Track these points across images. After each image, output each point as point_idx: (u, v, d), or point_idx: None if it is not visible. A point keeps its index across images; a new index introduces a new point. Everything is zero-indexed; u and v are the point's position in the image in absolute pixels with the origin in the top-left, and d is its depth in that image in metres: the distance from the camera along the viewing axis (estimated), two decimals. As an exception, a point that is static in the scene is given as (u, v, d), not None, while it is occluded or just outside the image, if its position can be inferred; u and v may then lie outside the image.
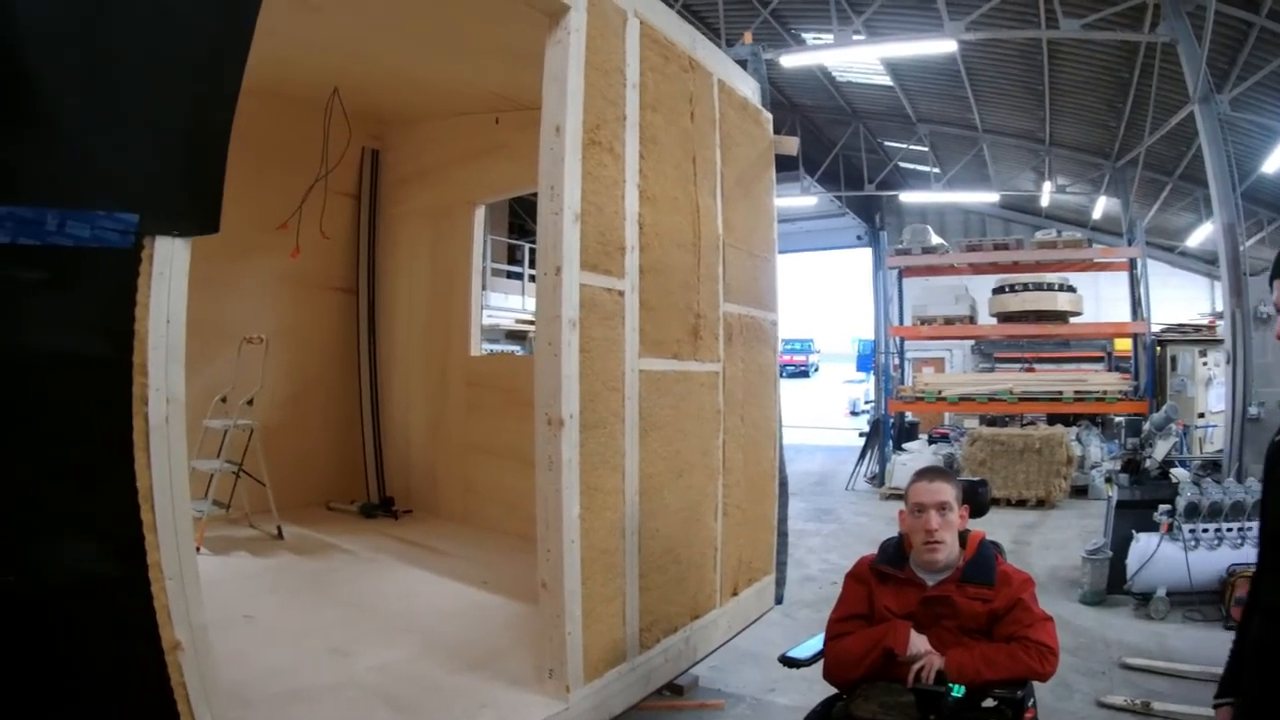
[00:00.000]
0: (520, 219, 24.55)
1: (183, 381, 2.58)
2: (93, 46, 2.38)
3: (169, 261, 2.51)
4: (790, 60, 14.77)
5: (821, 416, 31.32)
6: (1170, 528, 7.57)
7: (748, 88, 6.11)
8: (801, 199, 23.38)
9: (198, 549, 5.24)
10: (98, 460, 2.45)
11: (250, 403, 6.66)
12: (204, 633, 2.61)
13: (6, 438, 2.29)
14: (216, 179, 2.63)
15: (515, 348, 20.43)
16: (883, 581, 3.36)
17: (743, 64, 6.21)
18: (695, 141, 5.13)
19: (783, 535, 6.32)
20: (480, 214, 7.88)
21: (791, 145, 6.48)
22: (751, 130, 6.03)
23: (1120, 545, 7.84)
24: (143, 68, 2.47)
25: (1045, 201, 24.51)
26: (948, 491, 3.32)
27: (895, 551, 3.43)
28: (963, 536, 3.39)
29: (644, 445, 4.48)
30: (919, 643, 3.11)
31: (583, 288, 4.03)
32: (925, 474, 3.45)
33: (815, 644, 3.48)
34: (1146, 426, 12.10)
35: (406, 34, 5.75)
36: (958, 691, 2.97)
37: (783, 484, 6.34)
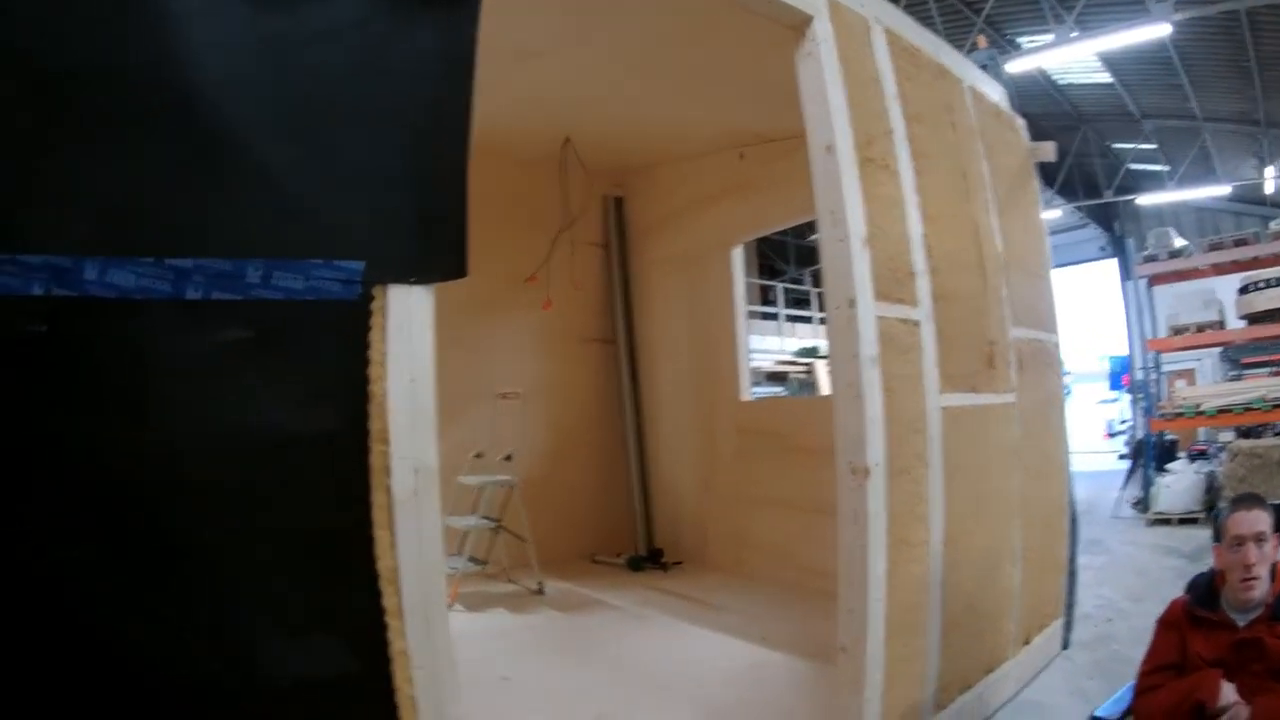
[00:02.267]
0: (769, 259, 24.39)
1: (434, 447, 2.23)
2: (290, 88, 2.14)
3: (408, 313, 2.18)
4: (1014, 66, 13.88)
5: (1079, 439, 28.62)
6: None
7: (996, 93, 5.65)
8: (1048, 213, 21.71)
9: (451, 605, 5.21)
10: (327, 545, 2.13)
11: (509, 458, 6.53)
12: None
13: (210, 531, 2.02)
14: (458, 223, 2.30)
15: (778, 389, 20.11)
16: (1195, 625, 2.98)
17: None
18: (962, 154, 4.72)
19: (1072, 575, 5.78)
20: (738, 255, 7.61)
21: (1049, 151, 5.93)
22: (1009, 138, 5.55)
23: None
24: (356, 109, 2.21)
25: (1269, 189, 22.00)
26: (1264, 520, 2.92)
27: (1206, 590, 3.03)
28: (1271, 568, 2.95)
29: (948, 490, 4.00)
30: (1229, 693, 2.75)
31: (879, 320, 3.64)
32: (1242, 502, 3.04)
33: (1123, 698, 3.12)
34: None
35: (634, 73, 5.58)
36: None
37: (1073, 520, 5.80)
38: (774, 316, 22.07)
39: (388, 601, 2.14)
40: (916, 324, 3.93)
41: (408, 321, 2.19)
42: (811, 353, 20.79)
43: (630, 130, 6.96)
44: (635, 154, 7.65)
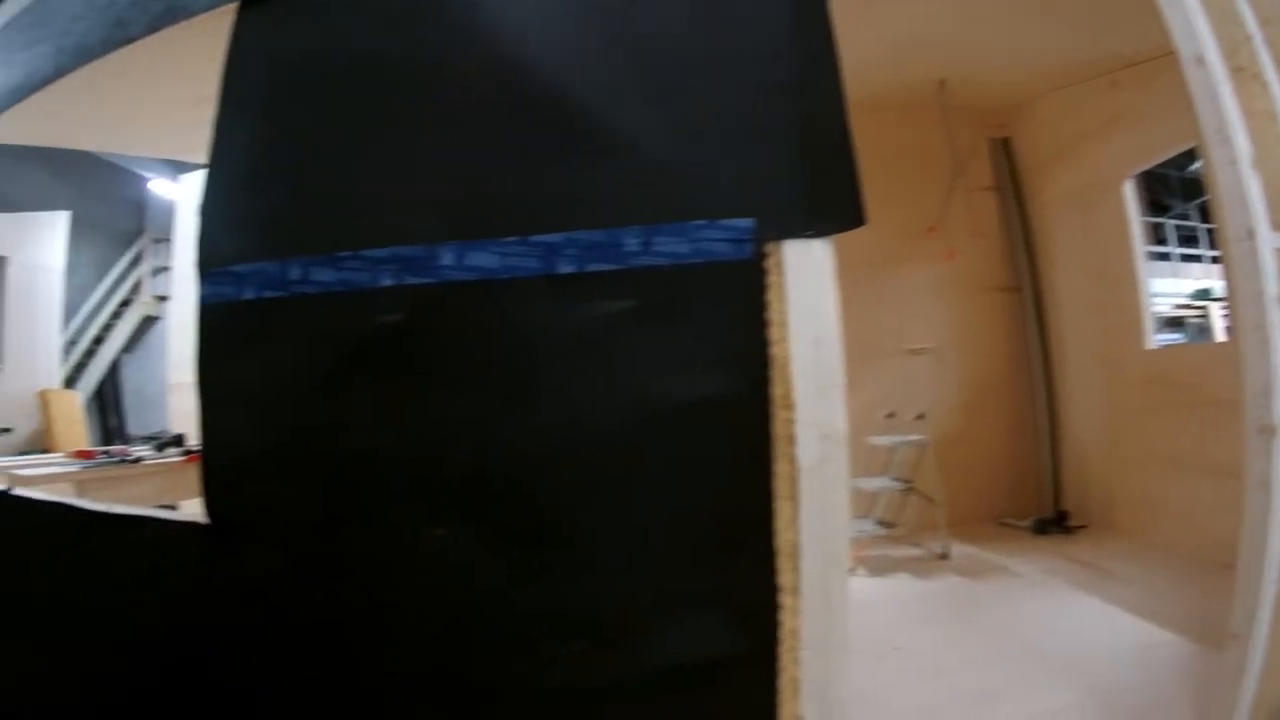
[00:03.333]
0: (1155, 194, 22.22)
1: (842, 412, 2.04)
2: (643, 49, 2.07)
3: (807, 268, 2.00)
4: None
5: None
6: None
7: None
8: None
9: (854, 569, 5.10)
10: (722, 521, 2.02)
11: (921, 417, 6.30)
12: (840, 709, 2.08)
13: (594, 509, 1.99)
14: (848, 169, 2.09)
15: (1176, 336, 18.27)
16: None
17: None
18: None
19: None
20: (1128, 190, 6.86)
21: None
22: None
23: None
24: (713, 62, 2.08)
25: None
26: None
27: None
28: None
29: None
30: None
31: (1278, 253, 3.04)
32: None
33: None
34: None
35: (1001, 3, 5.16)
36: None
37: None
38: (1166, 256, 19.99)
39: (784, 578, 2.01)
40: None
41: (807, 278, 2.01)
42: (1205, 295, 18.63)
43: (1005, 65, 6.50)
44: (1012, 90, 7.14)
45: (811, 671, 2.05)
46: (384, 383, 2.12)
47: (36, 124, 4.67)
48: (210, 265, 2.36)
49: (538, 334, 2.02)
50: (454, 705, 2.11)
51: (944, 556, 6.14)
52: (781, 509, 2.00)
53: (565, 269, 1.96)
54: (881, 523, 6.11)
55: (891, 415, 6.40)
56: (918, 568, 5.99)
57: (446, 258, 2.02)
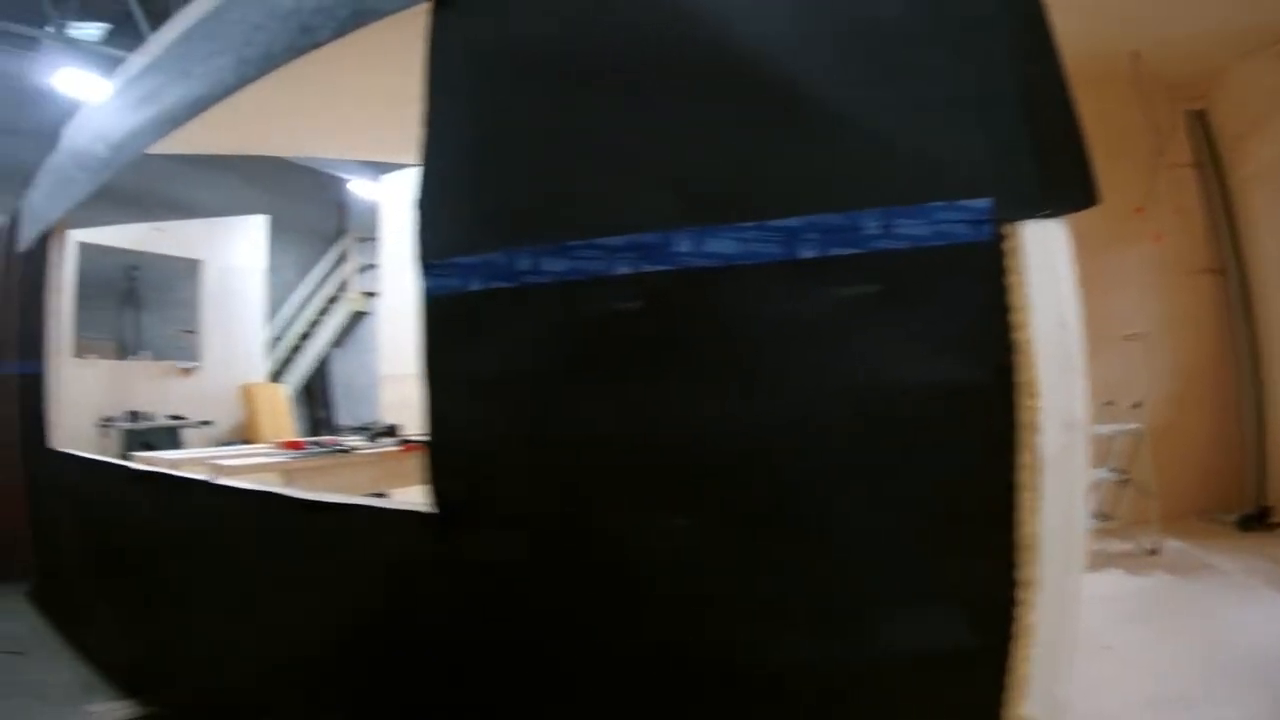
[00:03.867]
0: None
1: (1084, 401, 1.93)
2: (857, 30, 2.00)
3: (1047, 250, 1.90)
4: None
5: None
6: None
7: None
8: None
9: None
10: (964, 511, 1.93)
11: (1138, 405, 6.15)
12: (1064, 709, 1.98)
13: (837, 499, 1.92)
14: (1077, 145, 2.00)
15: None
16: None
17: None
18: None
19: None
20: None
21: None
22: None
23: None
24: (945, 36, 1.99)
25: None
26: None
27: None
28: None
29: None
30: None
31: None
32: None
33: None
34: None
35: None
36: None
37: None
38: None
39: (1022, 572, 1.90)
40: None
41: (1048, 259, 1.90)
42: None
43: (1197, 32, 6.19)
44: (1206, 59, 6.78)
45: (1040, 669, 1.96)
46: (620, 371, 2.12)
47: (226, 134, 4.87)
48: (433, 258, 2.41)
49: (779, 321, 1.96)
50: (679, 693, 2.10)
51: (1154, 552, 5.95)
52: (1024, 500, 1.90)
53: (806, 254, 1.90)
54: (1099, 515, 5.98)
55: (1110, 404, 6.20)
56: (1129, 564, 5.82)
57: (684, 244, 1.99)
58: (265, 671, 3.51)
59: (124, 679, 5.43)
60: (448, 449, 2.44)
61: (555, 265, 2.15)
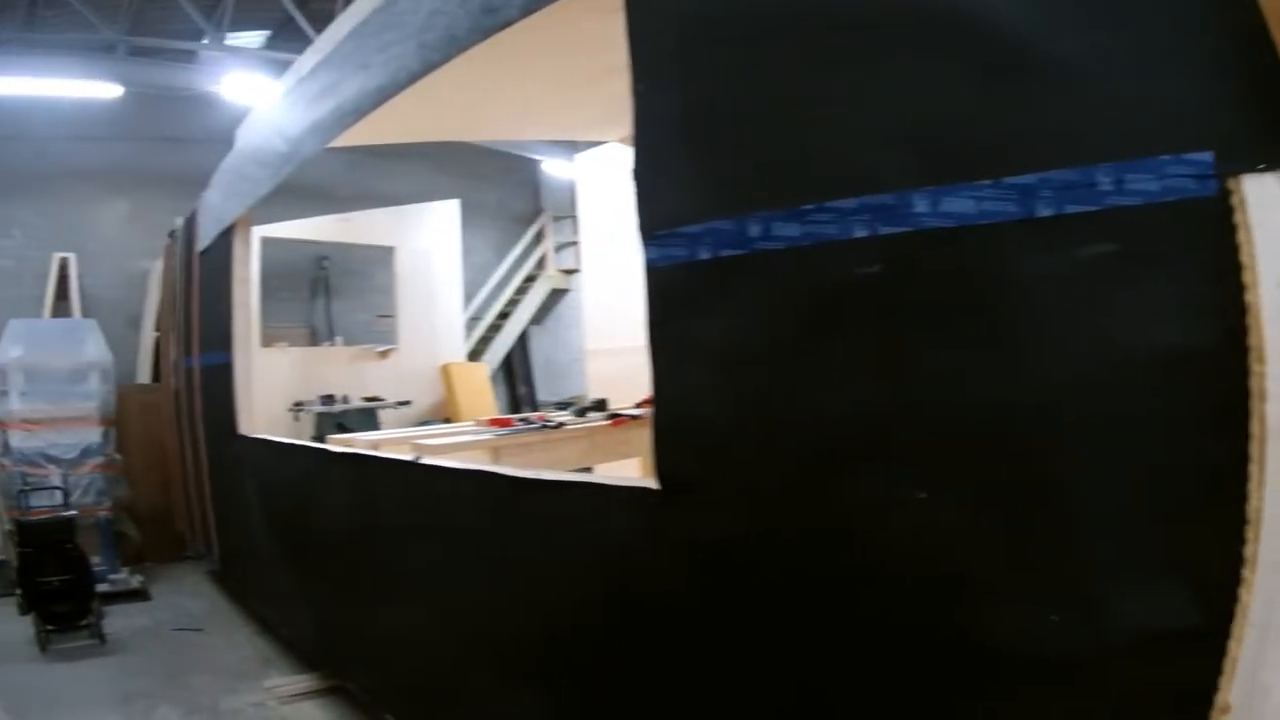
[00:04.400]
0: None
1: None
2: None
3: (1267, 205, 1.75)
4: None
5: None
6: None
7: None
8: None
9: None
10: (1195, 482, 1.82)
11: None
12: (1264, 695, 1.82)
13: (1076, 469, 1.84)
14: None
15: None
16: None
17: None
18: None
19: None
20: None
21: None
22: None
23: None
24: None
25: None
26: None
27: None
28: None
29: None
30: None
31: None
32: None
33: None
34: None
35: None
36: None
37: None
38: None
39: (1248, 549, 1.78)
40: None
41: (1271, 216, 1.76)
42: None
43: None
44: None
45: (1249, 650, 1.82)
46: (859, 339, 2.05)
47: (411, 122, 4.95)
48: (655, 228, 2.39)
49: (1016, 283, 1.90)
50: (915, 673, 2.04)
51: None
52: (1251, 472, 1.77)
53: (1043, 212, 1.83)
54: None
55: None
56: None
57: (920, 205, 1.93)
58: (467, 652, 3.59)
59: (307, 655, 5.69)
60: (675, 423, 2.40)
61: (787, 230, 2.09)
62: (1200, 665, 1.83)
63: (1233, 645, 1.82)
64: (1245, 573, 1.78)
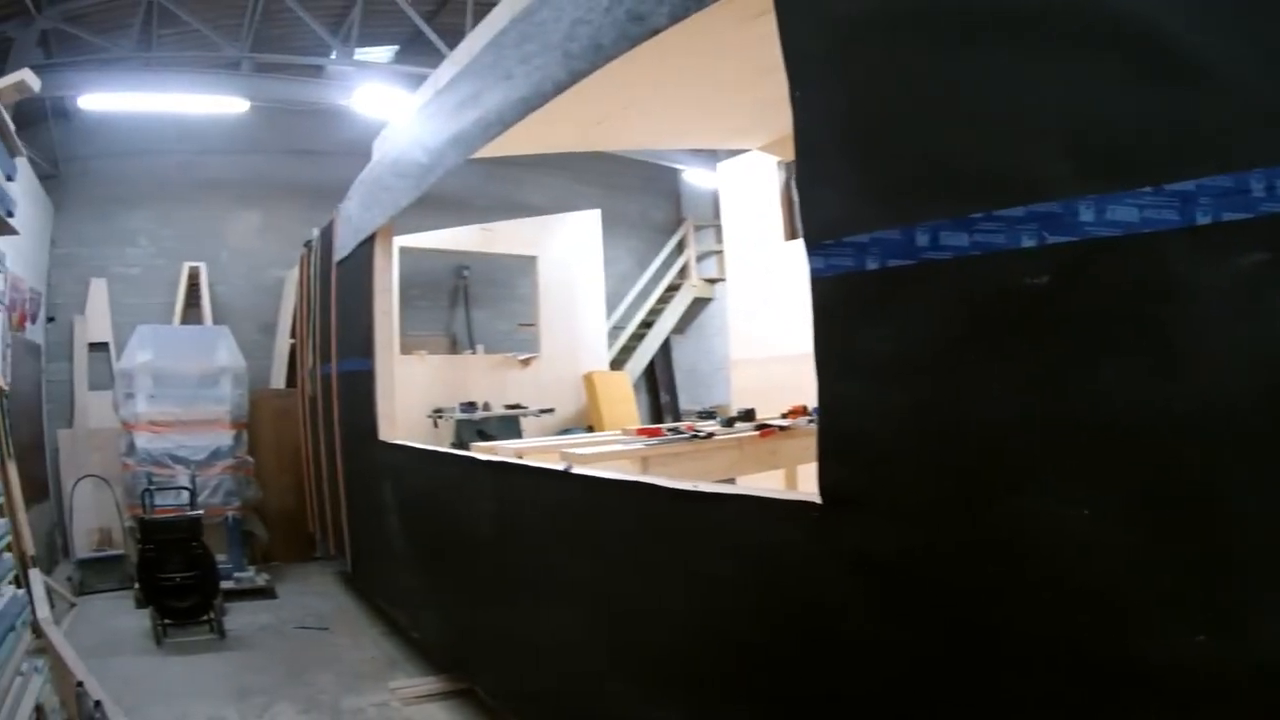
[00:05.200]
0: None
1: None
2: None
3: None
4: None
5: None
6: None
7: None
8: None
9: None
10: None
11: None
12: None
13: (1244, 476, 1.79)
14: None
15: None
16: None
17: None
18: None
19: None
20: None
21: None
22: None
23: None
24: None
25: None
26: None
27: None
28: None
29: None
30: None
31: None
32: None
33: None
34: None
35: None
36: None
37: None
38: None
39: None
40: None
41: None
42: None
43: None
44: None
45: None
46: (1025, 350, 2.03)
47: (557, 134, 5.01)
48: (821, 238, 2.38)
49: (1183, 294, 1.85)
50: (1077, 692, 1.98)
51: None
52: None
53: (1203, 219, 1.80)
54: None
55: None
56: None
57: (1086, 213, 1.91)
58: (608, 661, 3.61)
59: (434, 658, 5.77)
60: (840, 436, 2.38)
61: (955, 240, 2.09)
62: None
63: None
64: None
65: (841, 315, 2.37)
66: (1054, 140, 1.99)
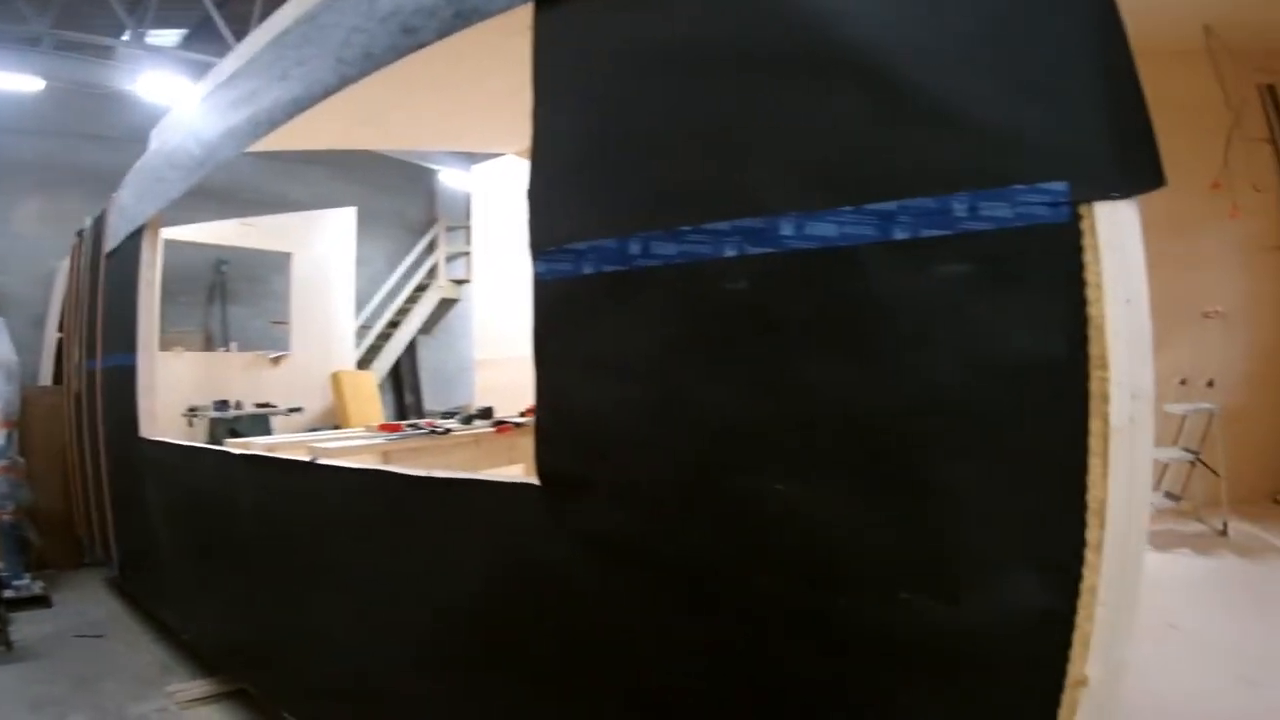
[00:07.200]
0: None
1: (1150, 372, 2.08)
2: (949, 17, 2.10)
3: (1118, 230, 2.00)
4: None
5: None
6: None
7: None
8: None
9: None
10: (1043, 477, 2.05)
11: (1210, 384, 6.24)
12: (1120, 669, 2.09)
13: (940, 467, 2.05)
14: (1145, 126, 2.05)
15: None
16: None
17: None
18: None
19: None
20: None
21: None
22: None
23: None
24: (1022, 18, 2.09)
25: None
26: None
27: None
28: None
29: None
30: None
31: None
32: None
33: None
34: None
35: None
36: None
37: None
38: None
39: (1090, 534, 2.01)
40: None
41: (1118, 239, 2.00)
42: None
43: (1269, 3, 6.05)
44: (1278, 33, 6.64)
45: (1103, 630, 2.05)
46: (727, 349, 2.25)
47: (322, 131, 5.02)
48: (545, 244, 2.58)
49: (875, 299, 2.09)
50: (786, 652, 2.23)
51: (1223, 533, 6.01)
52: (1094, 465, 2.01)
53: (900, 235, 2.03)
54: (1169, 495, 6.09)
55: (1184, 382, 6.35)
56: (1198, 544, 5.89)
57: (787, 229, 2.13)
58: (361, 649, 3.69)
59: (206, 660, 5.67)
60: (557, 425, 2.61)
61: (665, 249, 2.30)
62: (1052, 641, 2.04)
63: (1083, 623, 2.04)
64: (1090, 556, 2.01)
65: (561, 316, 2.56)
66: (766, 164, 2.20)
